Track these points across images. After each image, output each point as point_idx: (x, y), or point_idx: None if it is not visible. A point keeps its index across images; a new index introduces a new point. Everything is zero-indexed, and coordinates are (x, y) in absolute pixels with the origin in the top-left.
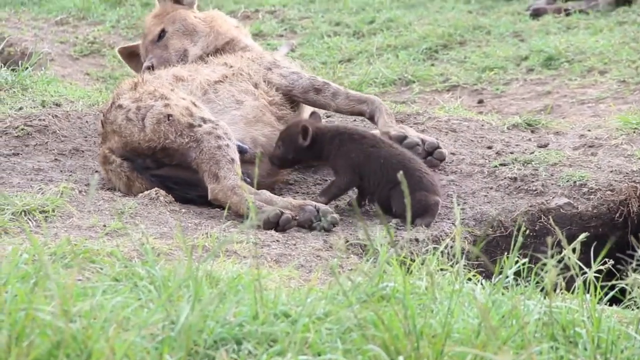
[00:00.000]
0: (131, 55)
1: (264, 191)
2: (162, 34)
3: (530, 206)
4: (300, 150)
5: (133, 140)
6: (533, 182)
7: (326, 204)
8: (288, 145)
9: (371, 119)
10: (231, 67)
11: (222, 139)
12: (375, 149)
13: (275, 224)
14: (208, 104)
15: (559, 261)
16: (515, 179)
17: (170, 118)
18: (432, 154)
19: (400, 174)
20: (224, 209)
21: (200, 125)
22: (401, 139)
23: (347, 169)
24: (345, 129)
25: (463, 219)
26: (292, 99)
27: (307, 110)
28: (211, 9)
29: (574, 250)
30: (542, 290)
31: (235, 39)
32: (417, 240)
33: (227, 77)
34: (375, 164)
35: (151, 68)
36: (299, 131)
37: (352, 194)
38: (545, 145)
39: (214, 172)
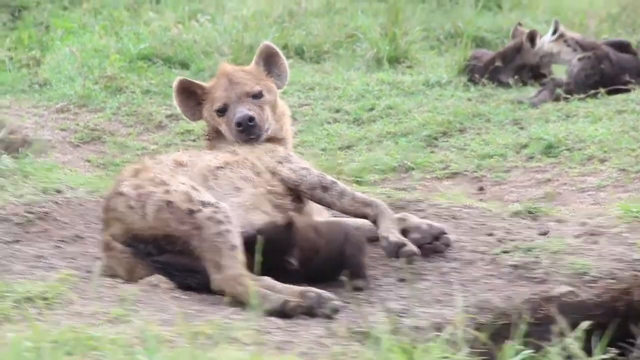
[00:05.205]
0: (186, 92)
1: (266, 277)
2: (260, 94)
3: (533, 294)
4: None
5: (135, 228)
6: (535, 269)
7: None
8: None
9: (374, 222)
10: (237, 154)
11: (223, 223)
12: None
13: (281, 313)
14: (207, 190)
15: (562, 349)
16: (517, 266)
17: (170, 205)
18: (438, 239)
19: None
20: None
21: (200, 210)
22: (399, 246)
23: None
24: None
25: (465, 307)
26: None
27: (312, 203)
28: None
29: (577, 338)
30: None
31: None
32: (419, 327)
33: (228, 163)
34: None
35: (253, 119)
36: None
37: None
38: (546, 233)
39: (216, 261)
